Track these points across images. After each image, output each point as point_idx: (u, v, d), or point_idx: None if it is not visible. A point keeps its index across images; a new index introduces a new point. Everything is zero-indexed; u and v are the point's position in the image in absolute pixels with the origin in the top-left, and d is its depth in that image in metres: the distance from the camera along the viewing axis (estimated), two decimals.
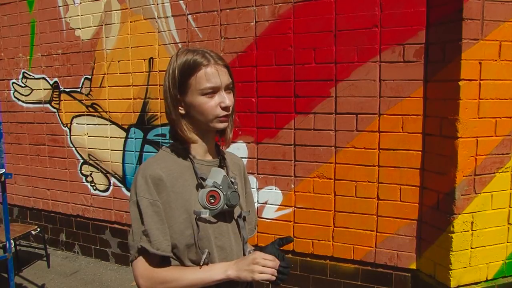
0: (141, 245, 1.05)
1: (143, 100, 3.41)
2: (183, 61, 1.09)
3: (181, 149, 1.14)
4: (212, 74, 1.07)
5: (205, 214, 1.07)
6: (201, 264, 1.08)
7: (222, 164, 1.19)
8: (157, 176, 1.07)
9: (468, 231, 2.34)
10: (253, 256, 1.06)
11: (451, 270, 2.33)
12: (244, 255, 1.17)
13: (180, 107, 1.11)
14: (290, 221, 2.91)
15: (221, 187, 1.08)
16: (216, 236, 1.11)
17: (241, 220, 1.17)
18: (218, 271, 1.07)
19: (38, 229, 3.75)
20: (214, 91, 1.08)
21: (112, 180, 3.68)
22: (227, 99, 1.09)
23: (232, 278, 1.06)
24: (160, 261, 1.09)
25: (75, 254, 4.02)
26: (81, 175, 3.85)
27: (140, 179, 1.07)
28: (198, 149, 1.15)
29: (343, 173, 2.70)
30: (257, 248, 1.19)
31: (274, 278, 1.06)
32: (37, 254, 4.05)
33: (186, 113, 1.11)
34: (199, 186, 1.10)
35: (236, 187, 1.13)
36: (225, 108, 1.09)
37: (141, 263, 1.08)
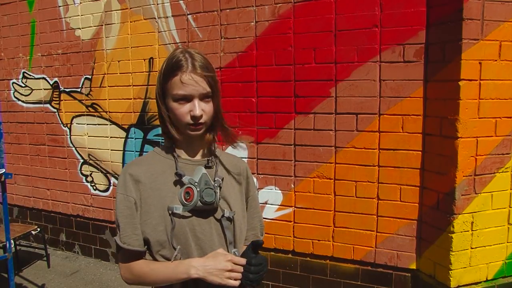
0: (115, 238, 1.12)
1: (143, 100, 3.42)
2: (166, 63, 1.11)
3: (169, 148, 1.17)
4: (186, 82, 1.06)
5: (179, 210, 1.08)
6: (172, 261, 1.09)
7: (211, 164, 1.18)
8: (136, 174, 1.12)
9: (468, 231, 2.34)
10: (225, 264, 1.05)
11: (451, 270, 2.33)
12: None
13: (163, 107, 1.13)
14: (290, 221, 2.91)
15: (196, 183, 1.08)
16: (196, 235, 1.10)
17: (225, 220, 1.14)
18: (182, 269, 1.06)
19: (38, 229, 3.75)
20: (185, 99, 1.07)
21: (112, 180, 3.68)
22: (198, 109, 1.07)
23: (198, 278, 1.06)
24: (138, 254, 1.12)
25: (75, 254, 4.02)
26: (81, 175, 3.85)
27: (121, 176, 1.14)
28: (184, 148, 1.17)
29: (343, 173, 2.70)
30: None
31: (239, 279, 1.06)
32: (37, 254, 4.05)
33: (168, 113, 1.13)
34: (178, 183, 1.12)
35: (216, 185, 1.11)
36: (193, 118, 1.07)
37: (120, 254, 1.15)
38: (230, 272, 1.04)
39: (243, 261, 1.07)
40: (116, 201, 1.12)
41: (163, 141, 1.17)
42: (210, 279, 1.04)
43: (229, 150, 1.34)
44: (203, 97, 1.09)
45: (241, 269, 1.06)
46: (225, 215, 1.13)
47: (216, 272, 1.04)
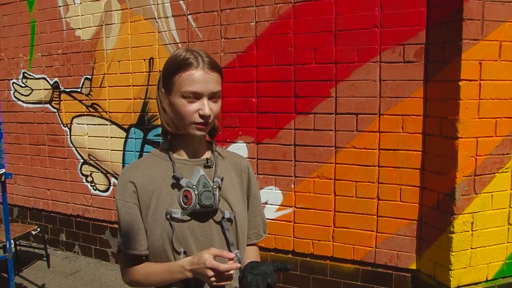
0: (117, 243, 1.13)
1: (143, 100, 3.42)
2: (173, 56, 1.08)
3: (165, 149, 1.14)
4: (198, 79, 1.03)
5: (177, 214, 1.06)
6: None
7: (210, 163, 1.15)
8: (133, 179, 1.10)
9: (468, 231, 2.34)
10: (203, 260, 1.00)
11: (451, 270, 2.33)
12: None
13: (165, 103, 1.10)
14: (290, 221, 2.91)
15: (194, 186, 1.07)
16: (197, 237, 1.09)
17: (226, 222, 1.11)
18: (177, 269, 1.05)
19: (38, 229, 3.75)
20: (195, 96, 1.05)
21: (112, 180, 3.68)
22: (207, 107, 1.05)
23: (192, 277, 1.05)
24: (138, 258, 1.12)
25: (75, 254, 4.02)
26: (81, 175, 3.85)
27: (119, 182, 1.14)
28: (182, 148, 1.14)
29: (343, 173, 2.70)
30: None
31: (230, 281, 1.02)
32: (37, 254, 4.05)
33: (170, 110, 1.09)
34: (176, 185, 1.09)
35: (215, 187, 1.09)
36: (202, 117, 1.05)
37: (121, 259, 1.15)
38: (210, 271, 0.99)
39: (223, 266, 0.98)
40: (117, 207, 1.12)
41: (162, 141, 1.16)
42: (201, 278, 1.03)
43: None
44: (211, 96, 1.06)
45: (225, 267, 0.98)
46: (225, 217, 1.11)
47: (200, 271, 1.01)
